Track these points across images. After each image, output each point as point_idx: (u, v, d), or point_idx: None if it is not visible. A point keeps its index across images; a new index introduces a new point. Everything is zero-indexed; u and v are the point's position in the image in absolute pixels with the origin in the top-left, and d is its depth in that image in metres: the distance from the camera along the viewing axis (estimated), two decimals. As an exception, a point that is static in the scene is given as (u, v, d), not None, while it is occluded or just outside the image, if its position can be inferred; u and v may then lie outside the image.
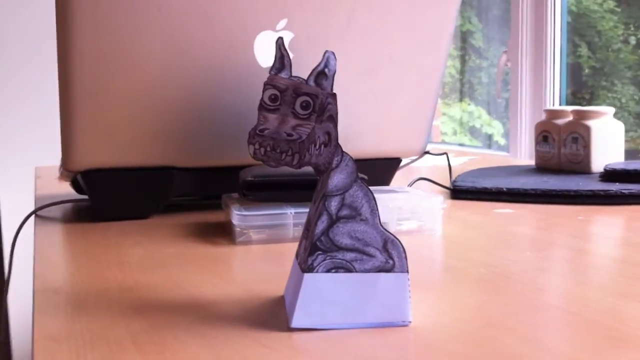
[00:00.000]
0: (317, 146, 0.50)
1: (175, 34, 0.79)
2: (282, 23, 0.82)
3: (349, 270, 0.47)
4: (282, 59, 0.50)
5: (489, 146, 2.77)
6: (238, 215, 0.73)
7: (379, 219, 0.48)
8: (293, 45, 0.83)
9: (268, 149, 0.51)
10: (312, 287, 0.46)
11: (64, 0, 0.75)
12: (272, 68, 0.50)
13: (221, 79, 0.82)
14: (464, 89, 3.03)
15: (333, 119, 0.50)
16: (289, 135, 0.50)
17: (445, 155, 1.10)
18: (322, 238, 0.47)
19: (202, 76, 0.82)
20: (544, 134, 1.14)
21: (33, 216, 0.90)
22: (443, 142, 2.94)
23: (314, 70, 0.49)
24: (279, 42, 0.50)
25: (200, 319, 0.48)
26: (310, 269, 0.47)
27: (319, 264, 0.47)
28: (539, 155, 1.17)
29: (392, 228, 0.76)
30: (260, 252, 0.70)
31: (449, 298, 0.54)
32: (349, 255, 0.47)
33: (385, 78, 0.91)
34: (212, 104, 0.83)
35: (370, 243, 0.47)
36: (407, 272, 0.47)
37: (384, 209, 0.76)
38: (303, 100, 0.50)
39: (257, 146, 0.51)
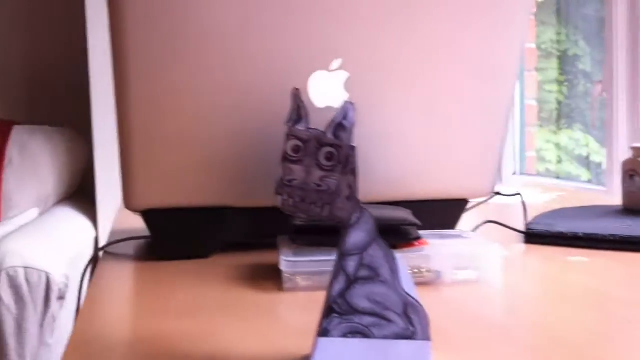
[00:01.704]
0: (342, 199, 0.48)
1: (228, 75, 0.79)
2: (336, 63, 0.80)
3: (366, 336, 0.44)
4: (298, 110, 0.48)
5: (598, 175, 2.62)
6: (285, 261, 0.71)
7: (400, 281, 0.44)
8: (349, 85, 0.81)
9: (297, 199, 0.49)
10: (326, 353, 0.44)
11: (121, 48, 0.77)
12: (288, 119, 0.48)
13: (275, 119, 0.81)
14: (572, 114, 2.90)
15: (354, 172, 0.47)
16: (318, 186, 0.48)
17: (518, 196, 1.04)
18: (339, 300, 0.44)
19: (255, 117, 0.81)
20: (631, 173, 1.06)
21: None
22: (539, 174, 2.82)
23: (332, 121, 0.47)
24: (295, 93, 0.48)
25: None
26: (324, 332, 0.44)
27: (334, 327, 0.44)
28: (626, 195, 1.09)
29: (448, 277, 0.72)
30: (306, 300, 0.68)
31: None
32: (367, 320, 0.44)
33: (447, 114, 0.87)
34: (266, 145, 0.82)
35: (390, 307, 0.44)
36: (429, 339, 0.44)
37: (439, 256, 0.72)
38: (327, 151, 0.48)
39: (285, 197, 0.49)
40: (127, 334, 0.58)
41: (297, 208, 0.49)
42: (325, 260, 0.71)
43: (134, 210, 0.85)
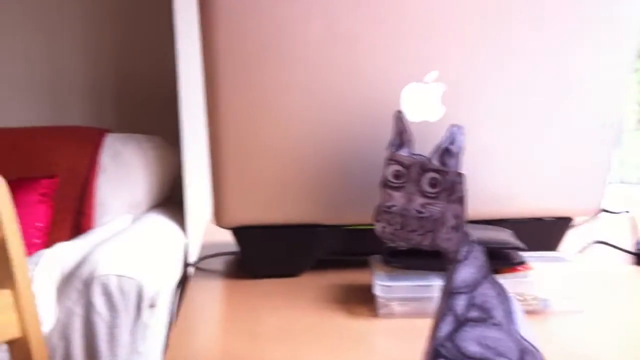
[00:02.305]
0: (447, 229, 0.44)
1: (319, 88, 0.77)
2: (432, 75, 0.76)
3: (476, 384, 0.40)
4: (401, 134, 0.45)
5: None
6: (381, 286, 0.67)
7: (515, 324, 0.40)
8: (445, 98, 0.77)
9: (397, 227, 0.46)
10: (433, 402, 0.40)
11: (211, 59, 0.75)
12: (390, 144, 0.45)
13: (368, 133, 0.78)
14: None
15: (462, 200, 0.43)
16: (419, 212, 0.45)
17: (627, 213, 0.97)
18: (446, 343, 0.41)
19: (347, 131, 0.78)
20: None
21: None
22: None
23: (438, 146, 0.43)
24: (397, 116, 0.45)
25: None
26: (431, 379, 0.40)
27: (441, 374, 0.40)
28: None
29: (555, 306, 0.67)
30: (401, 327, 0.65)
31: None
32: (478, 366, 0.40)
33: (552, 126, 0.81)
34: (359, 160, 0.79)
35: (504, 353, 0.40)
36: (549, 391, 0.39)
37: (545, 283, 0.67)
38: (431, 177, 0.44)
39: (384, 224, 0.46)
40: (218, 355, 0.56)
41: (396, 236, 0.46)
42: (423, 285, 0.67)
43: (224, 227, 0.84)
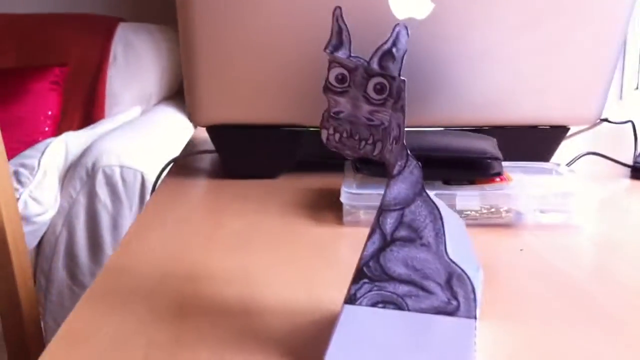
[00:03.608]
0: (391, 139, 0.41)
1: (296, -19, 0.71)
2: (419, -32, 0.70)
3: (399, 307, 0.37)
4: (340, 33, 0.40)
5: None
6: (347, 194, 0.65)
7: (445, 245, 0.37)
8: (432, -5, 0.71)
9: (344, 135, 0.43)
10: (352, 322, 0.38)
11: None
12: (327, 45, 0.40)
13: (352, 32, 0.73)
14: None
15: (404, 109, 0.39)
16: (369, 120, 0.41)
17: (630, 124, 0.91)
18: (371, 263, 0.38)
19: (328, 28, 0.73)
20: None
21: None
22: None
23: (378, 48, 0.39)
24: (337, 13, 0.40)
25: (236, 331, 0.42)
26: (352, 299, 0.38)
27: (363, 294, 0.38)
28: None
29: (530, 219, 0.64)
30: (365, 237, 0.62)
31: (538, 338, 0.42)
32: (402, 289, 0.37)
33: (552, 31, 0.75)
34: (337, 61, 0.74)
35: (430, 276, 0.37)
36: (475, 318, 0.37)
37: (521, 195, 0.63)
38: (377, 82, 0.40)
39: (331, 131, 0.43)
40: (168, 258, 0.55)
41: (343, 144, 0.43)
42: (391, 193, 0.64)
43: (199, 125, 0.81)
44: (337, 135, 0.43)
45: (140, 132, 1.95)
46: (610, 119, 0.89)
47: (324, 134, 0.44)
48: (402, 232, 0.38)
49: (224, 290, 0.49)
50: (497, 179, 0.67)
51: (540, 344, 0.41)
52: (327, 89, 0.42)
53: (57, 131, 2.17)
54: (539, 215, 0.64)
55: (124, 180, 1.69)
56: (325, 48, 0.40)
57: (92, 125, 2.06)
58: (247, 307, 0.46)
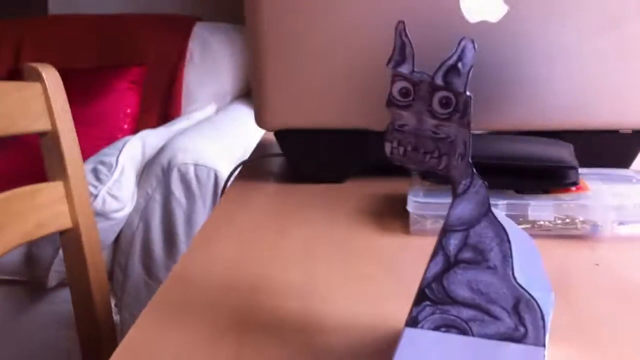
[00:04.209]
0: (457, 156, 0.39)
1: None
2: (491, -31, 0.68)
3: (463, 332, 0.36)
4: (403, 48, 0.39)
5: None
6: (414, 202, 0.63)
7: (513, 269, 0.35)
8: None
9: (409, 148, 0.41)
10: (413, 346, 0.37)
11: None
12: (389, 60, 0.39)
13: (423, 35, 0.71)
14: None
15: (469, 126, 0.38)
16: (435, 133, 0.40)
17: None
18: (434, 285, 0.37)
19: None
20: None
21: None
22: None
23: (443, 63, 0.37)
24: (399, 28, 0.39)
25: (295, 349, 0.41)
26: (414, 322, 0.37)
27: (425, 317, 0.37)
28: None
29: (608, 231, 0.61)
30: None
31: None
32: (467, 313, 0.36)
33: (633, 30, 0.72)
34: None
35: (497, 300, 0.35)
36: (544, 346, 0.35)
37: (599, 206, 0.60)
38: (443, 96, 0.39)
39: (395, 144, 0.42)
40: (231, 267, 0.55)
41: (408, 158, 0.42)
42: (460, 202, 0.62)
43: (267, 129, 0.81)
44: (402, 149, 0.42)
45: (215, 131, 1.98)
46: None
47: (387, 147, 0.42)
48: (467, 254, 0.36)
49: (285, 304, 0.48)
50: (573, 188, 0.64)
51: (615, 373, 0.39)
52: (391, 102, 0.41)
53: (135, 129, 2.22)
54: (617, 227, 0.61)
55: (197, 177, 1.72)
56: (388, 63, 0.39)
57: (168, 123, 2.10)
58: (308, 323, 0.45)
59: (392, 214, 0.68)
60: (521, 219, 0.62)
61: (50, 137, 0.89)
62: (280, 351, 0.41)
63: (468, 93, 0.37)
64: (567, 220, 0.62)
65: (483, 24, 0.72)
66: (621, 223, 0.61)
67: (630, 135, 0.78)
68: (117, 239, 1.79)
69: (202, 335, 0.44)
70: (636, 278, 0.52)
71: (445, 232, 0.37)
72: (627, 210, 0.61)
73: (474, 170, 0.37)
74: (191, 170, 1.72)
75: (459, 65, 0.37)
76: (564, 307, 0.47)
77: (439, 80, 0.37)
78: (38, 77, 0.89)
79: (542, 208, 0.61)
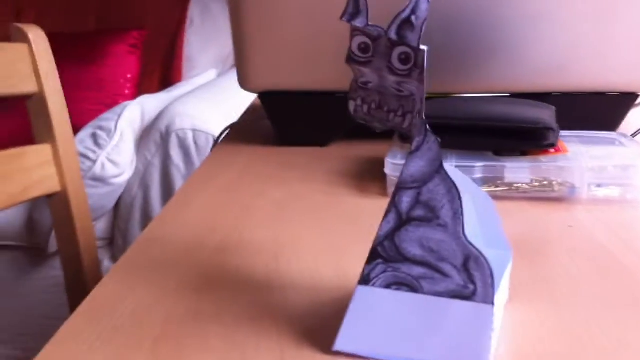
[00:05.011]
0: (415, 113, 0.39)
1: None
2: None
3: (414, 290, 0.36)
4: (357, 1, 0.38)
5: None
6: (391, 164, 0.63)
7: (463, 227, 0.35)
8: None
9: (373, 106, 0.41)
10: (365, 304, 0.36)
11: None
12: (343, 13, 0.38)
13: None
14: None
15: (424, 82, 0.37)
16: (399, 91, 0.39)
17: None
18: (386, 243, 0.36)
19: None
20: None
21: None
22: None
23: (396, 17, 0.37)
24: (352, -21, 0.38)
25: (255, 307, 0.42)
26: (366, 280, 0.37)
27: (377, 275, 0.36)
28: None
29: (585, 194, 0.60)
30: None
31: (569, 322, 0.39)
32: (417, 271, 0.36)
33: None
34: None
35: (447, 258, 0.35)
36: (493, 304, 0.35)
37: (575, 168, 0.60)
38: (402, 51, 0.38)
39: (359, 102, 0.42)
40: (205, 227, 0.55)
41: (372, 116, 0.41)
42: (437, 164, 0.61)
43: (250, 91, 0.80)
44: (366, 107, 0.41)
45: (214, 96, 1.97)
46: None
47: (351, 105, 0.42)
48: (419, 212, 0.36)
49: (251, 262, 0.48)
50: (552, 150, 0.63)
51: (569, 329, 0.38)
52: (350, 59, 0.41)
53: (136, 94, 2.22)
54: (595, 189, 0.60)
55: (196, 143, 1.72)
56: (342, 17, 0.39)
57: (168, 89, 2.09)
58: (271, 282, 0.45)
59: (372, 177, 0.68)
60: (499, 182, 0.62)
61: (37, 100, 0.89)
62: (239, 309, 0.42)
63: (422, 47, 0.36)
64: (545, 182, 0.61)
65: (466, -17, 0.71)
66: (599, 185, 0.61)
67: (617, 97, 0.77)
68: (117, 205, 1.79)
69: (164, 291, 0.44)
70: (606, 240, 0.52)
71: (398, 189, 0.36)
72: (606, 172, 0.60)
73: (427, 127, 0.36)
74: (190, 136, 1.72)
75: (412, 18, 0.36)
76: (531, 267, 0.47)
77: (392, 35, 0.37)
78: (24, 38, 0.88)
79: (519, 170, 0.60)
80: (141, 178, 1.75)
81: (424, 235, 0.35)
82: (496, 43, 0.73)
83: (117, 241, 1.82)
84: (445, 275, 0.35)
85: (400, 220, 0.36)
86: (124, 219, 1.79)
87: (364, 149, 0.78)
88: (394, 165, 0.63)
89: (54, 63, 0.91)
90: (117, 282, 0.46)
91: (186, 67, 2.35)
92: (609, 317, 0.40)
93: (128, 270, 0.48)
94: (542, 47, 0.74)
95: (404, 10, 0.36)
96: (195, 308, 0.42)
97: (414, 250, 0.36)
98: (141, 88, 2.29)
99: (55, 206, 0.90)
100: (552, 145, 0.62)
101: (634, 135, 0.75)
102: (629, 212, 0.57)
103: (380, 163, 0.71)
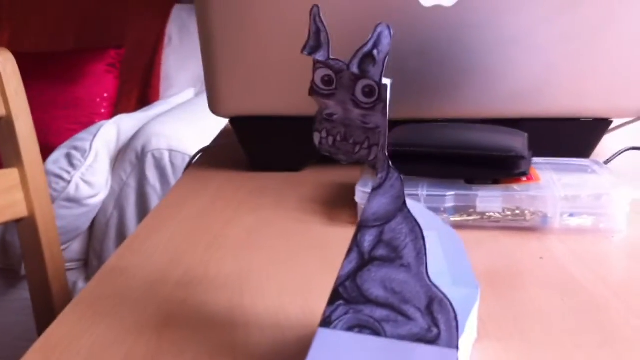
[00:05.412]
0: (380, 146, 0.38)
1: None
2: (443, -47, 0.66)
3: (376, 333, 0.35)
4: (318, 34, 0.37)
5: None
6: (361, 192, 0.62)
7: (426, 267, 0.34)
8: (459, -20, 0.67)
9: (338, 138, 0.40)
10: (326, 347, 0.35)
11: None
12: (304, 46, 0.37)
13: (377, 19, 0.70)
14: None
15: (386, 116, 0.36)
16: (364, 123, 0.38)
17: (682, 116, 0.84)
18: (347, 283, 0.35)
19: (356, 18, 0.70)
20: None
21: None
22: None
23: (358, 51, 0.36)
24: (314, 12, 0.37)
25: (215, 346, 0.40)
26: (327, 322, 0.35)
27: (338, 317, 0.35)
28: None
29: (557, 223, 0.60)
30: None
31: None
32: (380, 313, 0.35)
33: (590, 14, 0.70)
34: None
35: (410, 300, 0.34)
36: (457, 348, 0.33)
37: (548, 197, 0.59)
38: (366, 84, 0.37)
39: (324, 134, 0.41)
40: (167, 258, 0.53)
41: (337, 148, 0.40)
42: (411, 194, 0.61)
43: (220, 116, 0.79)
44: (331, 139, 0.40)
45: (191, 115, 1.95)
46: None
47: (316, 138, 0.41)
48: (381, 251, 0.35)
49: (215, 298, 0.47)
50: (524, 179, 0.62)
51: (538, 373, 0.38)
52: (314, 91, 0.40)
53: (113, 113, 2.20)
54: (567, 218, 0.60)
55: (172, 163, 1.70)
56: (302, 50, 0.38)
57: (145, 108, 2.08)
58: (234, 318, 0.44)
59: (343, 204, 0.67)
60: (470, 210, 0.61)
61: (5, 123, 0.87)
62: (200, 348, 0.40)
63: (384, 81, 0.36)
64: (517, 212, 0.60)
65: (437, 9, 0.70)
66: (572, 215, 0.60)
67: (591, 123, 0.76)
68: (92, 226, 1.77)
69: (123, 329, 0.42)
70: (579, 273, 0.51)
71: (360, 228, 0.35)
72: (579, 201, 0.60)
73: (390, 163, 0.35)
74: (166, 156, 1.70)
75: (374, 52, 0.35)
76: (501, 301, 0.46)
77: (354, 69, 0.36)
78: (-9, 61, 0.86)
79: (491, 199, 0.60)
80: (116, 199, 1.73)
81: (386, 276, 0.34)
82: (470, 68, 0.72)
83: (91, 262, 1.79)
84: (408, 318, 0.34)
85: (362, 260, 0.35)
86: (99, 240, 1.77)
87: (337, 175, 0.77)
88: (363, 193, 0.62)
89: (22, 86, 0.89)
90: (75, 317, 0.45)
91: (164, 85, 2.33)
92: (579, 357, 0.39)
93: (87, 305, 0.46)
94: (516, 73, 0.73)
95: (365, 44, 0.36)
96: (156, 346, 0.40)
97: (377, 292, 0.35)
98: (119, 107, 2.27)
99: (23, 231, 0.88)
100: (524, 174, 0.61)
101: (607, 162, 0.75)
102: (602, 243, 0.57)
103: (352, 190, 0.70)
